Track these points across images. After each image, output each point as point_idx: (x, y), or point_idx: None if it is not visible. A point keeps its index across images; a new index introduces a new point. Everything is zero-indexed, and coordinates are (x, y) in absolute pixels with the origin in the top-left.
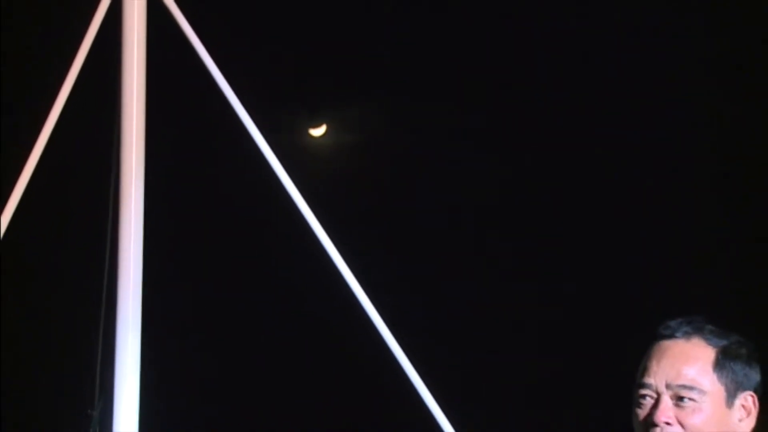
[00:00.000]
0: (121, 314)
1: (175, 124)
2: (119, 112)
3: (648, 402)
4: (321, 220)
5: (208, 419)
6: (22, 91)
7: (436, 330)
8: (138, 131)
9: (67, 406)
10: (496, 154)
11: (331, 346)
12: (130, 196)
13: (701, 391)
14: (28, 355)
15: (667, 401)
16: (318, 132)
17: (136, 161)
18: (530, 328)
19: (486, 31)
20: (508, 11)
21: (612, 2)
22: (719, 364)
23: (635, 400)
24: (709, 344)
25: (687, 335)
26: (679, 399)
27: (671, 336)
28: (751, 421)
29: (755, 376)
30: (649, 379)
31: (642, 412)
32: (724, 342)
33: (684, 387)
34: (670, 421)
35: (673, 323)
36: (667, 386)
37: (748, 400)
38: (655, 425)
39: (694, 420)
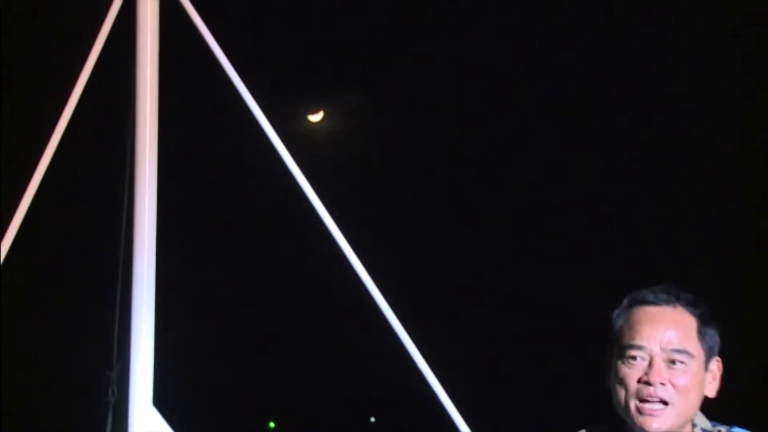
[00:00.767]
0: (137, 284)
1: (188, 119)
2: (133, 104)
3: (639, 363)
4: (320, 197)
5: (217, 381)
6: (37, 88)
7: (431, 304)
8: (151, 123)
9: (89, 369)
10: (491, 144)
11: (333, 324)
12: (144, 170)
13: (690, 355)
14: (55, 323)
15: (660, 363)
16: (316, 118)
17: (149, 151)
18: (534, 322)
19: (478, 25)
20: (505, 4)
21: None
22: (701, 331)
23: (624, 360)
24: (690, 312)
25: (671, 303)
26: (671, 362)
27: (655, 302)
28: (716, 384)
29: (719, 342)
30: (642, 342)
31: (633, 372)
32: (701, 310)
33: (677, 351)
34: (664, 381)
35: (652, 290)
36: (662, 349)
37: (715, 365)
38: (649, 384)
39: (683, 381)
